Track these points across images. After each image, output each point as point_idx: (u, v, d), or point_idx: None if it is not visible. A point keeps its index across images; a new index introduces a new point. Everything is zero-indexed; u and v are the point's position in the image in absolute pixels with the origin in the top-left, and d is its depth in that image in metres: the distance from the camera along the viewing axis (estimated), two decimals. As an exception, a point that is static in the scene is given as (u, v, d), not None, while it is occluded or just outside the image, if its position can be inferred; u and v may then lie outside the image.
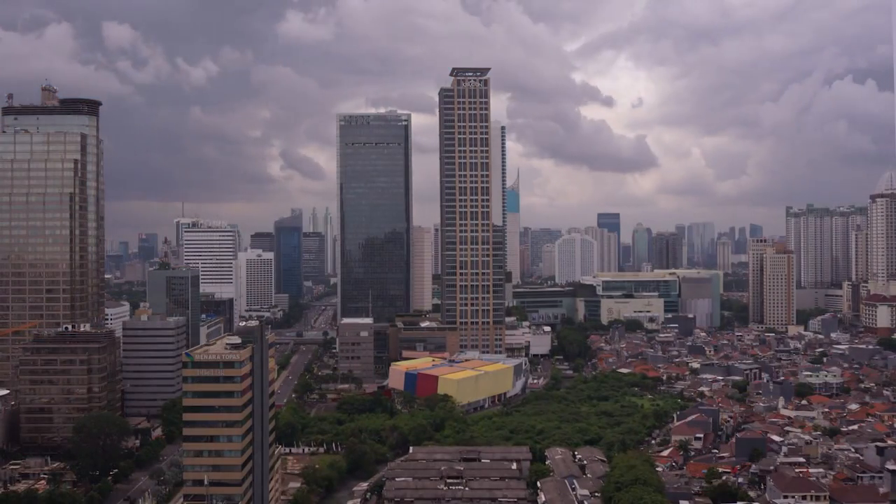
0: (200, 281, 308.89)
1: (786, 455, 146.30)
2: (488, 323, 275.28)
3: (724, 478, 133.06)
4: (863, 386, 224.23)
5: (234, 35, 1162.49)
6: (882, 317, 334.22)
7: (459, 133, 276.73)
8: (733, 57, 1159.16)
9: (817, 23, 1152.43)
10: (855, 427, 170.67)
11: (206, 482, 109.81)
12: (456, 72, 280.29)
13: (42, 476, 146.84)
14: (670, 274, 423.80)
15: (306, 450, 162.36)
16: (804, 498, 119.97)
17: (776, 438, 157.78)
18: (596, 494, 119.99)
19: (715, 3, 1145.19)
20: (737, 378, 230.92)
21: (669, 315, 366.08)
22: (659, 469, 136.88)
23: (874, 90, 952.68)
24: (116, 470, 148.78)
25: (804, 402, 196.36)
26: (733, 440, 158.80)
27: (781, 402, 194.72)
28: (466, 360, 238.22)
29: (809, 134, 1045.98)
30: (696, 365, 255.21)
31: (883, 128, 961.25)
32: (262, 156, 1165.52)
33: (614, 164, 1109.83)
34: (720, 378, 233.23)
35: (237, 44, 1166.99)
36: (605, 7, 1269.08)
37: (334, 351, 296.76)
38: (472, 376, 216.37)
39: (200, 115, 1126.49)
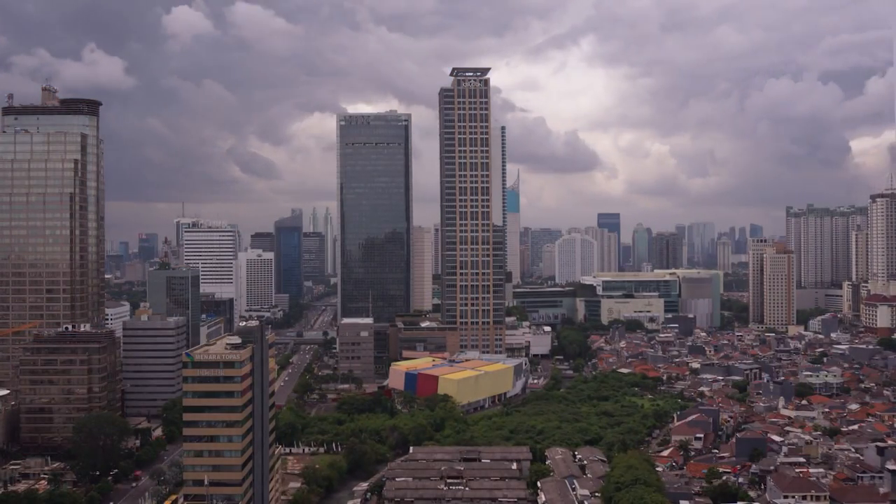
0: (200, 281, 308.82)
1: (786, 455, 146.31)
2: (488, 323, 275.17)
3: (724, 478, 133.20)
4: (863, 386, 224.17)
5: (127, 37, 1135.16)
6: (882, 317, 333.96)
7: (459, 133, 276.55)
8: (690, 58, 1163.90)
9: (767, 20, 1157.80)
10: (855, 427, 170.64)
11: (206, 482, 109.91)
12: (456, 72, 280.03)
13: (42, 476, 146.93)
14: (670, 274, 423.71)
15: (306, 450, 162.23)
16: (804, 498, 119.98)
17: (776, 438, 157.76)
18: (596, 494, 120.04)
19: (665, 2, 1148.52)
20: (737, 378, 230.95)
21: (669, 315, 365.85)
22: (659, 469, 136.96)
23: (824, 86, 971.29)
24: (116, 470, 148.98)
25: (804, 402, 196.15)
26: (733, 440, 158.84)
27: (781, 402, 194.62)
28: (466, 360, 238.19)
29: (776, 131, 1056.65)
30: (696, 365, 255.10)
31: (837, 123, 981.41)
32: (209, 157, 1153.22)
33: (557, 165, 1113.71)
34: (720, 378, 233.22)
35: (132, 48, 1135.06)
36: (561, 7, 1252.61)
37: (334, 351, 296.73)
38: (472, 376, 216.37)
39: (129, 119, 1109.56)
